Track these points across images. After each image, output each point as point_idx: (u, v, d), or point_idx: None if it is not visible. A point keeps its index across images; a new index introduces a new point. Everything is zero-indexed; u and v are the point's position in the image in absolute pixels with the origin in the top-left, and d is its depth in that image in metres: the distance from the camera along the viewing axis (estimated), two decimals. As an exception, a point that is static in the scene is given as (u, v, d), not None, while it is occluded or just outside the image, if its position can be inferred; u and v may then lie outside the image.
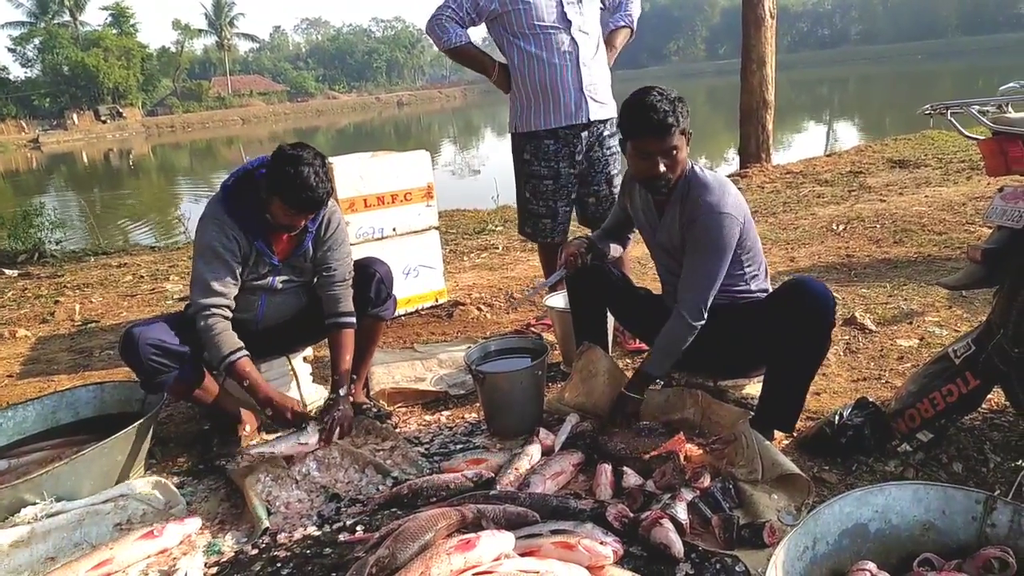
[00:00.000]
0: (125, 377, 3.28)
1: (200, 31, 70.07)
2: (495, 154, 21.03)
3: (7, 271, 6.47)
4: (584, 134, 3.18)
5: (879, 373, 2.82)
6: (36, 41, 55.80)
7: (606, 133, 3.22)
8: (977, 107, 2.06)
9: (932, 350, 2.92)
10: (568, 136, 3.17)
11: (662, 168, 2.15)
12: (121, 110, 52.93)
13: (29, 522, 2.07)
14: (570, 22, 3.08)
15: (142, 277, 5.93)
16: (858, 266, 4.27)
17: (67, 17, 58.54)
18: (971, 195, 5.74)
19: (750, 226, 2.28)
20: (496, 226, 6.94)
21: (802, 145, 14.97)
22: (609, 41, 3.32)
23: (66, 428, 2.65)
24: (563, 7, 3.07)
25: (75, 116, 50.03)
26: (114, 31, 57.19)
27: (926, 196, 6.01)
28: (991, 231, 2.13)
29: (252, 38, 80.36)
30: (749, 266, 2.31)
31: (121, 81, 53.63)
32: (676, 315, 2.25)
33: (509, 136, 3.36)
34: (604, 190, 3.26)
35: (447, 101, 69.47)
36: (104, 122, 50.63)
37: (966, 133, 2.21)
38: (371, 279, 2.68)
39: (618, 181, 3.24)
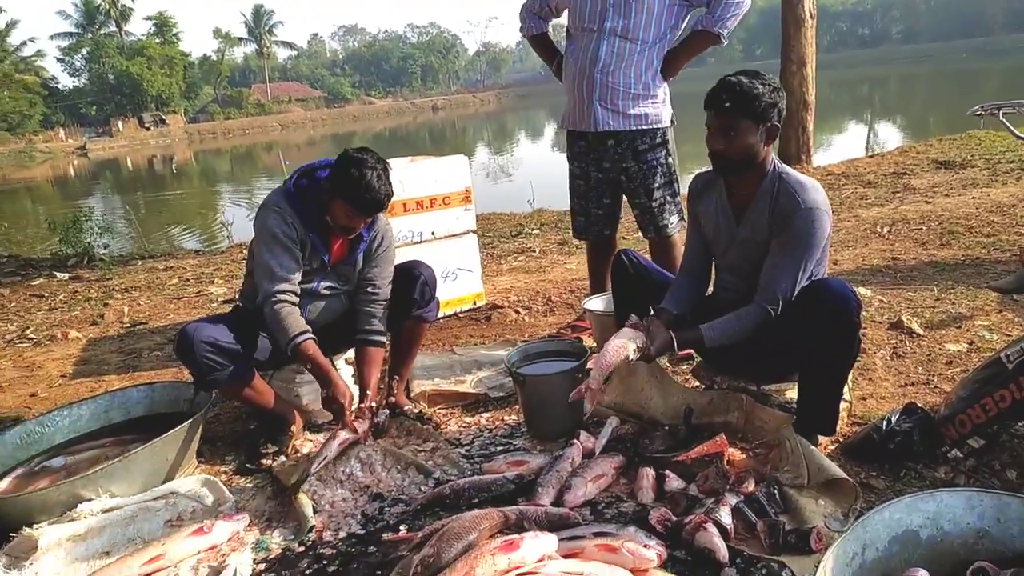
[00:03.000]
0: (173, 377, 3.38)
1: (240, 39, 71.72)
2: (529, 157, 21.06)
3: (58, 274, 6.68)
4: (611, 142, 3.12)
5: (927, 378, 2.76)
6: (84, 51, 57.79)
7: (642, 146, 3.11)
8: (1030, 106, 2.01)
9: (982, 354, 2.85)
10: (595, 141, 3.16)
11: (718, 145, 2.17)
12: (164, 117, 54.32)
13: (85, 517, 2.14)
14: (605, 27, 3.00)
15: (188, 280, 6.07)
16: (904, 269, 4.18)
17: (113, 27, 60.39)
18: (1020, 196, 5.58)
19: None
20: (533, 229, 6.95)
21: (842, 146, 14.72)
22: (686, 44, 3.16)
23: (118, 427, 2.73)
24: (607, 9, 2.99)
25: (120, 123, 51.50)
26: (157, 40, 58.77)
27: (973, 197, 5.86)
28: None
29: (291, 46, 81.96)
30: (816, 269, 2.27)
31: (164, 89, 55.08)
32: (756, 305, 2.24)
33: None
34: (644, 202, 3.19)
35: (481, 105, 69.82)
36: (148, 129, 52.02)
37: (1018, 133, 2.16)
38: (415, 281, 2.72)
39: (659, 193, 3.16)
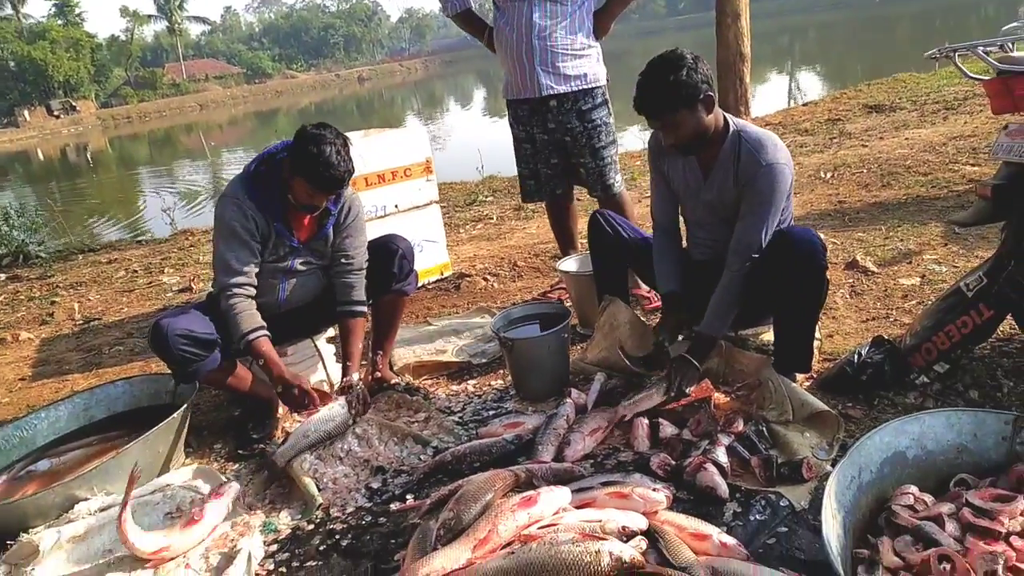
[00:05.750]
0: (140, 371, 3.32)
1: (149, 17, 68.35)
2: (463, 124, 20.85)
3: (-7, 275, 6.35)
4: (553, 103, 3.18)
5: (886, 312, 2.92)
6: (-22, 37, 53.92)
7: (585, 106, 3.18)
8: (982, 48, 2.13)
9: (934, 286, 3.03)
10: (537, 104, 3.21)
11: (670, 140, 2.23)
12: (74, 104, 51.42)
13: (83, 517, 2.11)
14: None
15: (136, 271, 5.85)
16: (851, 211, 4.37)
17: (8, 10, 56.52)
18: (949, 135, 5.86)
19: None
20: (486, 197, 6.95)
21: (772, 97, 15.06)
22: (609, 4, 3.27)
23: (100, 424, 2.67)
24: None
25: (27, 113, 48.46)
26: (59, 22, 55.47)
27: (906, 139, 6.12)
28: (998, 167, 2.22)
29: (203, 20, 78.90)
30: (782, 217, 2.35)
31: (72, 74, 52.11)
32: (733, 272, 2.29)
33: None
34: (590, 162, 3.24)
35: (408, 74, 68.63)
36: (58, 117, 49.19)
37: (970, 74, 2.28)
38: (394, 255, 2.71)
39: (606, 152, 3.23)
